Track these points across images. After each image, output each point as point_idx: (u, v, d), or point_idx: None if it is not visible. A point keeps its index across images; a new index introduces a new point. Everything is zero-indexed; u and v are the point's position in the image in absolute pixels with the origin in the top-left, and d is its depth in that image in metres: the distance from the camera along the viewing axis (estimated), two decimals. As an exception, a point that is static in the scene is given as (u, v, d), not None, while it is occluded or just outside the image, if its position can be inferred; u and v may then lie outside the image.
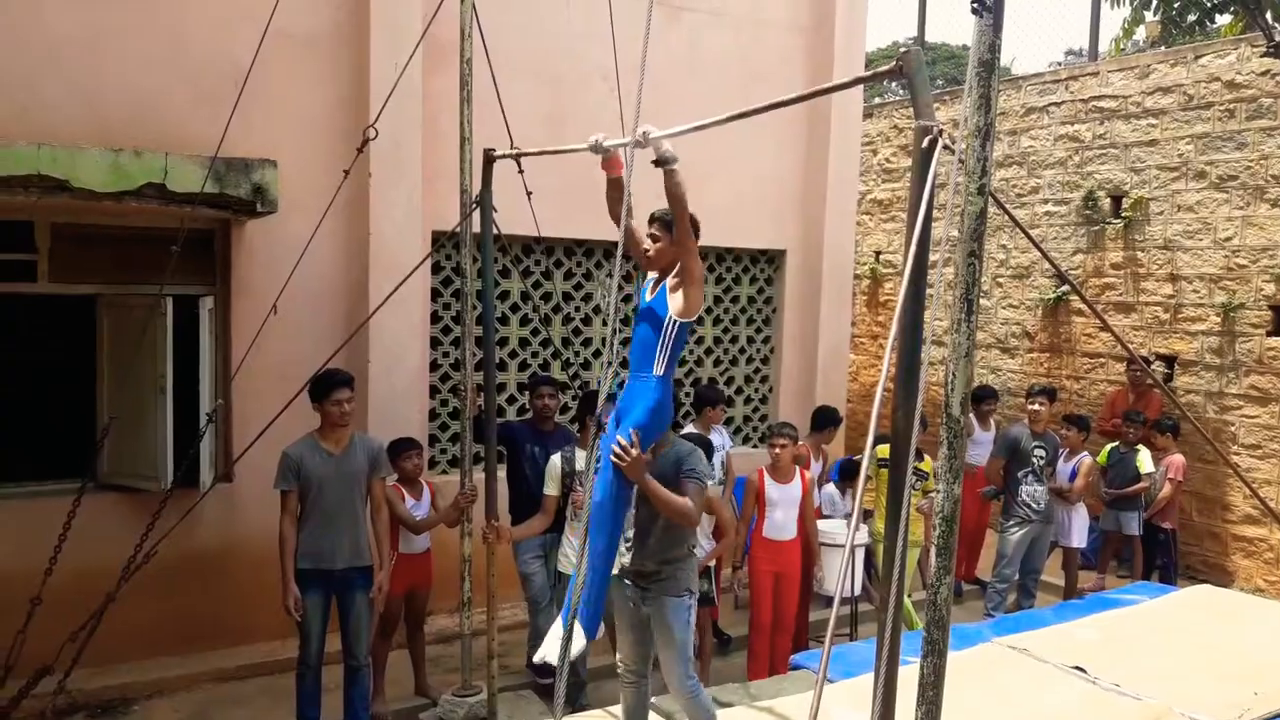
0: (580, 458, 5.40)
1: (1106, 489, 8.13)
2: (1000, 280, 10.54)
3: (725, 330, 8.63)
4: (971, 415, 8.62)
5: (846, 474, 7.33)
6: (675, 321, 3.78)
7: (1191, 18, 8.88)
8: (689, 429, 6.87)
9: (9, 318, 6.26)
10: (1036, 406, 7.40)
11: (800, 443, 6.75)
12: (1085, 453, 7.79)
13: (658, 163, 3.58)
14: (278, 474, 5.14)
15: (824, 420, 7.55)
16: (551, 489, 5.53)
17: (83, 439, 6.40)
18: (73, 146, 5.28)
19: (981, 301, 10.74)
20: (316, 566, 5.15)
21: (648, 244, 3.94)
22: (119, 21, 5.85)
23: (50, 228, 5.92)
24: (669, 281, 3.86)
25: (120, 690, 5.86)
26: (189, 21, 6.04)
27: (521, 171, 5.18)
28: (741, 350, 8.74)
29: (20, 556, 5.32)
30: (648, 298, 3.94)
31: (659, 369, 3.79)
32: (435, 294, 7.17)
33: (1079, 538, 7.88)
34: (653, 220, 3.93)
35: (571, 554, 5.36)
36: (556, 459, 5.54)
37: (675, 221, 3.74)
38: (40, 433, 7.31)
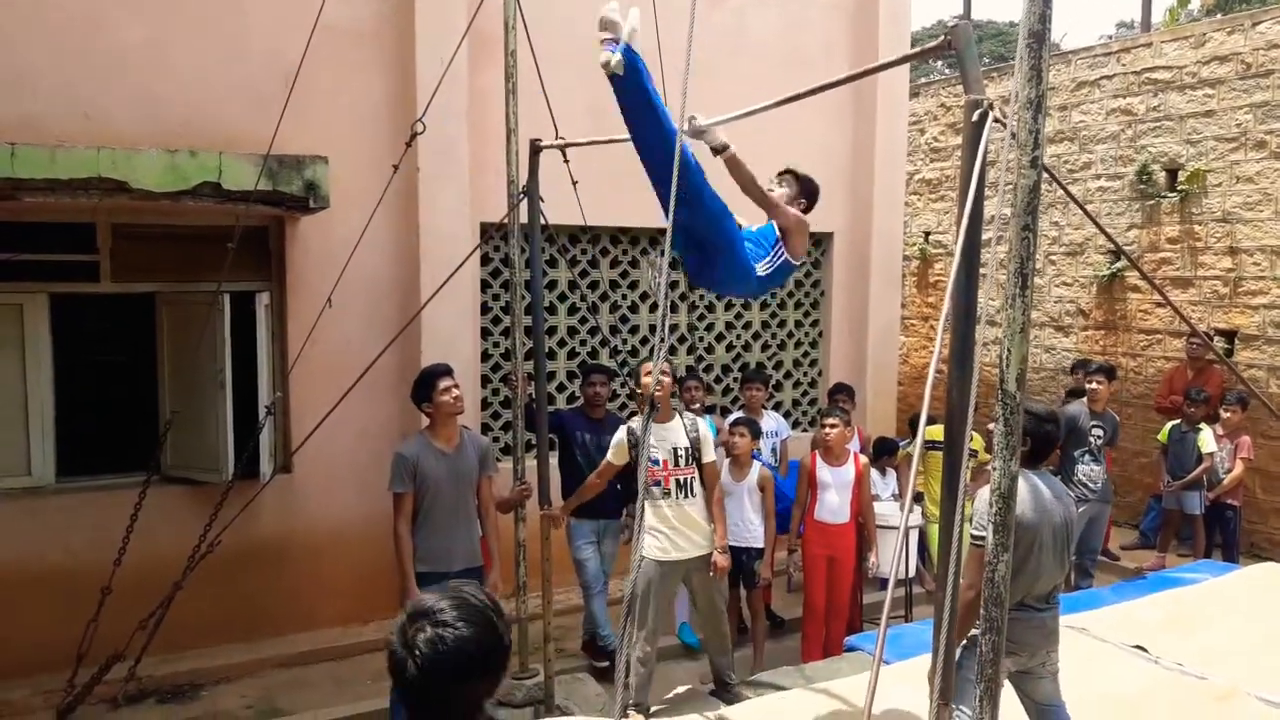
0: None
1: (1168, 468, 7.96)
2: (1053, 258, 10.36)
3: (773, 315, 8.59)
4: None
5: (881, 452, 7.24)
6: (782, 253, 4.00)
7: (1249, -16, 8.64)
8: (735, 415, 6.86)
9: (74, 317, 6.44)
10: (1094, 385, 7.25)
11: (858, 451, 6.61)
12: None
13: (715, 152, 3.60)
14: (392, 475, 4.89)
15: (881, 450, 7.31)
16: (615, 459, 5.34)
17: (146, 433, 6.57)
18: (130, 149, 5.40)
19: (1035, 279, 10.53)
20: (433, 570, 4.85)
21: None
22: (177, 28, 5.97)
23: (111, 229, 6.07)
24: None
25: (189, 676, 6.01)
26: (242, 24, 6.15)
27: (567, 161, 5.20)
28: (790, 334, 8.70)
29: (90, 547, 5.50)
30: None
31: (761, 269, 3.95)
32: (485, 285, 7.23)
33: None
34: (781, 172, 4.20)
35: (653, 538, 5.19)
36: (623, 432, 5.33)
37: (758, 198, 3.83)
38: (106, 428, 7.51)
